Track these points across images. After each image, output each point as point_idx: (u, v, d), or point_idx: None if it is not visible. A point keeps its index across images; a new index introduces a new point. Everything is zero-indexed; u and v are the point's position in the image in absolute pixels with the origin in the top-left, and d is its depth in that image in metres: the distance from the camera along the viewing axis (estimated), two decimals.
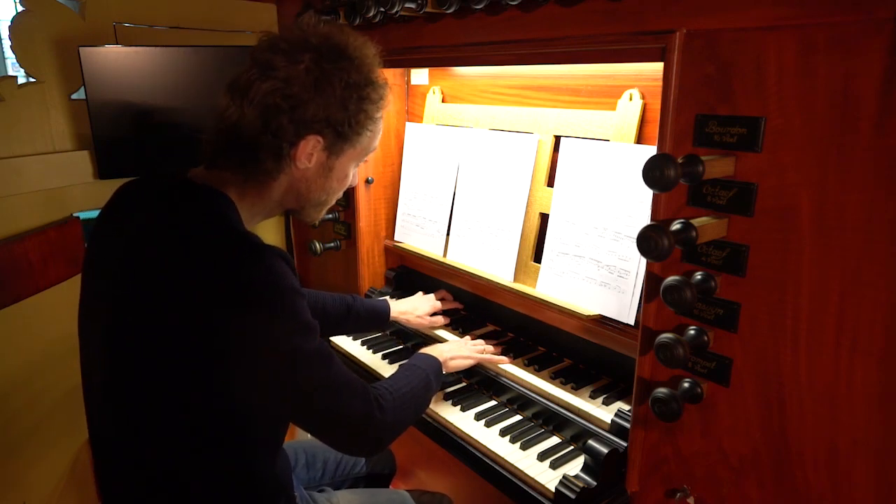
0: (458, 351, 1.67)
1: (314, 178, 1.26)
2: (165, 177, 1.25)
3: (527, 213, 1.80)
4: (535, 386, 1.65)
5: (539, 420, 1.63)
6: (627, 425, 1.40)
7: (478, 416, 1.64)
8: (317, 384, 1.14)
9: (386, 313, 1.90)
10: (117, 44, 2.14)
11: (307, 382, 1.13)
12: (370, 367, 1.93)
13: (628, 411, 1.42)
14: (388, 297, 2.00)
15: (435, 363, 1.55)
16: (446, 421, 1.64)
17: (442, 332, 1.96)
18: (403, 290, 2.27)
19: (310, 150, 1.20)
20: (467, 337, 1.86)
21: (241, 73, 1.18)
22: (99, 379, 1.21)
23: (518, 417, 1.66)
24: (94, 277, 1.23)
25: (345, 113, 1.19)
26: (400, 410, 1.31)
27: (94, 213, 1.72)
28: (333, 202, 1.37)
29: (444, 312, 2.06)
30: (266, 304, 1.06)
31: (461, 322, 2.01)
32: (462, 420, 1.64)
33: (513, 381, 1.71)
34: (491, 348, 1.79)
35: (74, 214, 2.17)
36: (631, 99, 1.53)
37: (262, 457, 1.24)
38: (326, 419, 1.19)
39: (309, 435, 1.25)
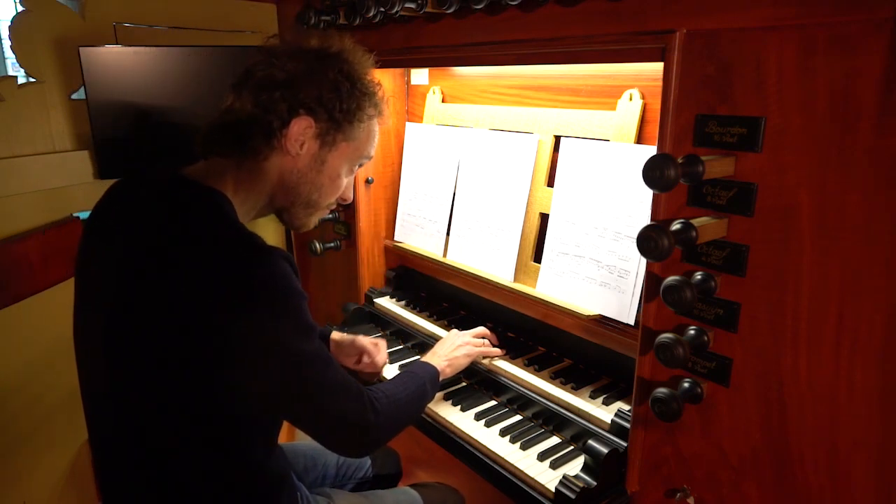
0: (453, 353, 1.67)
1: (305, 169, 1.26)
2: (159, 175, 1.24)
3: (527, 213, 1.80)
4: (535, 386, 1.65)
5: (539, 420, 1.63)
6: (627, 425, 1.40)
7: (478, 416, 1.64)
8: (316, 385, 1.15)
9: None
10: (117, 44, 2.14)
11: (307, 383, 1.14)
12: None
13: (628, 411, 1.42)
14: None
15: (432, 371, 1.56)
16: (446, 421, 1.64)
17: (441, 333, 1.96)
18: (403, 291, 2.27)
19: (301, 133, 1.21)
20: (459, 332, 1.82)
21: (245, 67, 1.25)
22: (98, 380, 1.21)
23: (518, 417, 1.66)
24: (90, 280, 1.23)
25: (336, 95, 1.22)
26: (394, 415, 1.33)
27: None
28: (324, 208, 1.36)
29: (444, 311, 2.06)
30: (270, 307, 1.06)
31: (461, 323, 2.01)
32: (462, 420, 1.64)
33: (513, 381, 1.70)
34: (488, 332, 1.78)
35: (74, 214, 2.17)
36: (631, 99, 1.53)
37: (261, 451, 1.24)
38: (322, 419, 1.20)
39: (309, 438, 1.25)
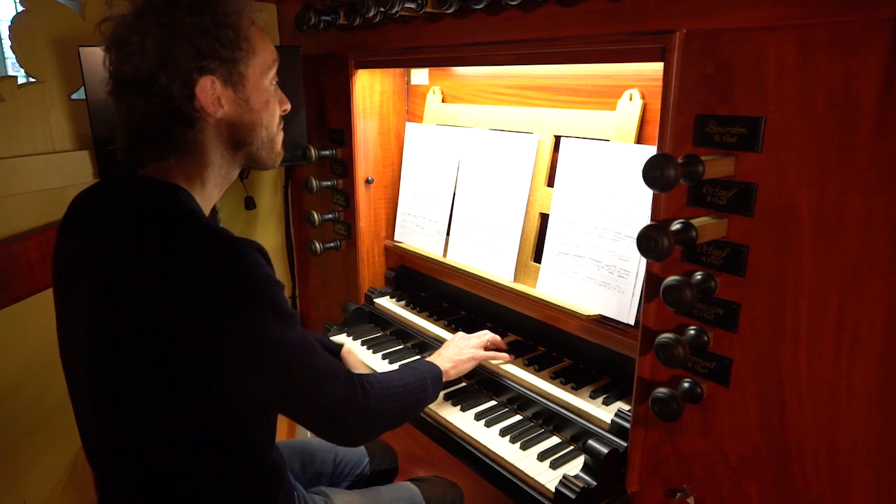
0: (458, 355, 1.67)
1: (237, 118, 1.19)
2: (117, 180, 1.22)
3: (527, 213, 1.80)
4: (535, 386, 1.65)
5: (539, 420, 1.63)
6: (627, 425, 1.40)
7: (478, 416, 1.64)
8: (301, 373, 1.14)
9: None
10: None
11: (291, 372, 1.13)
12: (370, 367, 1.93)
13: (628, 411, 1.42)
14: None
15: (434, 369, 1.55)
16: (446, 421, 1.64)
17: (441, 333, 1.96)
18: (403, 291, 2.27)
19: (210, 93, 1.13)
20: (465, 335, 1.82)
21: (108, 72, 1.16)
22: (85, 386, 1.20)
23: (518, 417, 1.66)
24: (67, 289, 1.22)
25: (207, 36, 1.11)
26: (386, 400, 1.31)
27: None
28: (279, 133, 1.29)
29: (444, 311, 2.06)
30: (244, 297, 1.05)
31: (461, 323, 2.01)
32: (462, 420, 1.64)
33: (513, 381, 1.71)
34: (491, 335, 1.78)
35: None
36: (631, 99, 1.53)
37: (257, 451, 1.24)
38: (312, 406, 1.19)
39: (308, 434, 1.25)
